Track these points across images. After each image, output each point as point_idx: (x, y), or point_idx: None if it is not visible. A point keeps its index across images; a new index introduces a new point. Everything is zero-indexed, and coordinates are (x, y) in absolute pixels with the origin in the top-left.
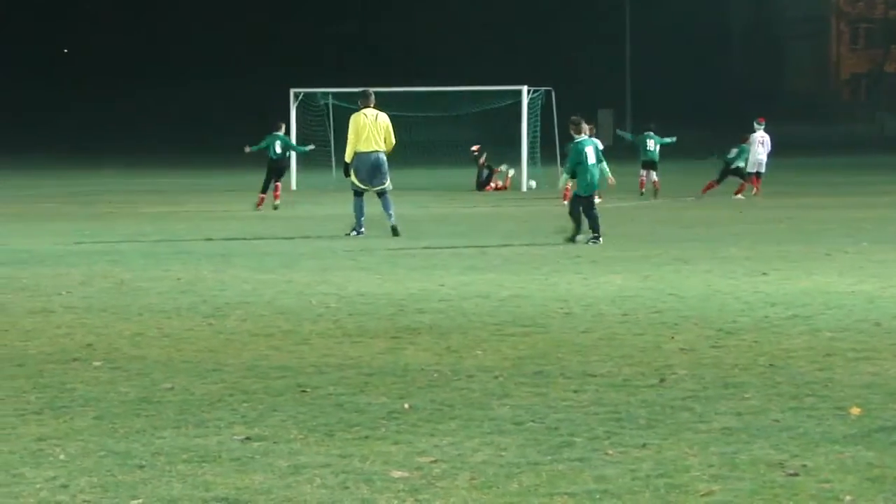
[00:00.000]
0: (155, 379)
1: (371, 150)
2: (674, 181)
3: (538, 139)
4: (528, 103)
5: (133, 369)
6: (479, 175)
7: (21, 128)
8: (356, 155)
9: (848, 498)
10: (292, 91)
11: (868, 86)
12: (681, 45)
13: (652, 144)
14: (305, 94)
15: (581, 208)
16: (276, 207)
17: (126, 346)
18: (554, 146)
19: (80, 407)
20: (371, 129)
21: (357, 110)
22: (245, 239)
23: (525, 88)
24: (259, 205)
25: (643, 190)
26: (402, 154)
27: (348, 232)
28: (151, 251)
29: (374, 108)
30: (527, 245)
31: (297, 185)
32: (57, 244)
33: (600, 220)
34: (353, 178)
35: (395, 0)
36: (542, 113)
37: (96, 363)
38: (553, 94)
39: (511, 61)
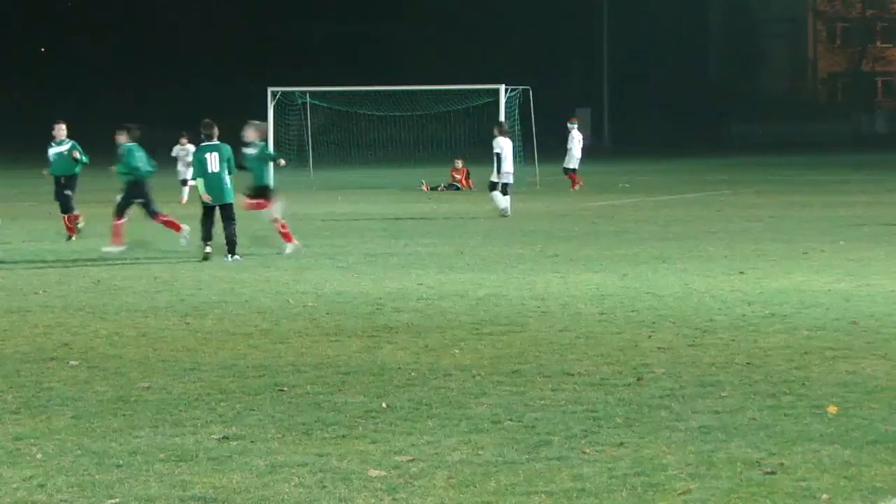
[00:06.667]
0: (132, 378)
1: None
2: (661, 181)
3: (517, 137)
4: (506, 102)
5: (110, 368)
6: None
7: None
8: None
9: (825, 496)
10: (270, 90)
11: (845, 85)
12: (658, 44)
13: None
14: (283, 94)
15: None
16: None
17: (103, 345)
18: (532, 144)
19: (57, 406)
20: None
21: None
22: (221, 237)
23: (502, 87)
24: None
25: None
26: (380, 152)
27: None
28: (128, 250)
29: None
30: (504, 244)
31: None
32: (34, 243)
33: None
34: None
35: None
36: (520, 111)
37: (73, 362)
38: (531, 92)
39: (488, 60)
